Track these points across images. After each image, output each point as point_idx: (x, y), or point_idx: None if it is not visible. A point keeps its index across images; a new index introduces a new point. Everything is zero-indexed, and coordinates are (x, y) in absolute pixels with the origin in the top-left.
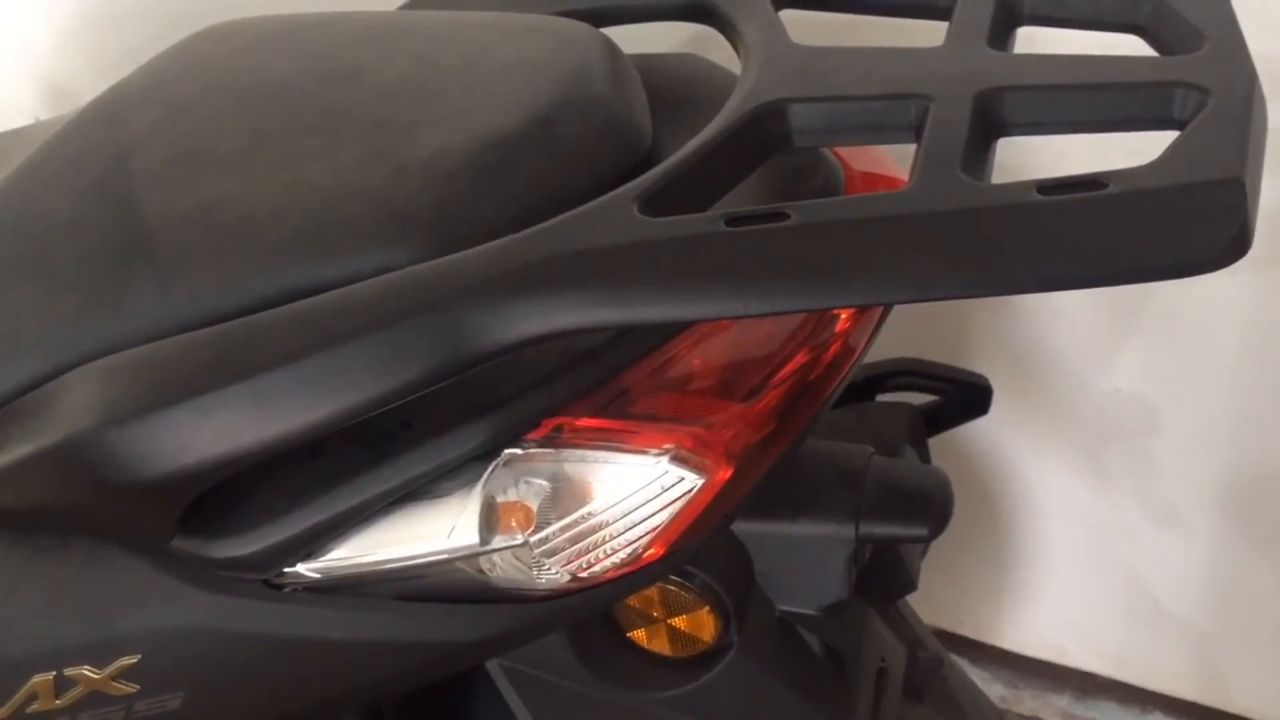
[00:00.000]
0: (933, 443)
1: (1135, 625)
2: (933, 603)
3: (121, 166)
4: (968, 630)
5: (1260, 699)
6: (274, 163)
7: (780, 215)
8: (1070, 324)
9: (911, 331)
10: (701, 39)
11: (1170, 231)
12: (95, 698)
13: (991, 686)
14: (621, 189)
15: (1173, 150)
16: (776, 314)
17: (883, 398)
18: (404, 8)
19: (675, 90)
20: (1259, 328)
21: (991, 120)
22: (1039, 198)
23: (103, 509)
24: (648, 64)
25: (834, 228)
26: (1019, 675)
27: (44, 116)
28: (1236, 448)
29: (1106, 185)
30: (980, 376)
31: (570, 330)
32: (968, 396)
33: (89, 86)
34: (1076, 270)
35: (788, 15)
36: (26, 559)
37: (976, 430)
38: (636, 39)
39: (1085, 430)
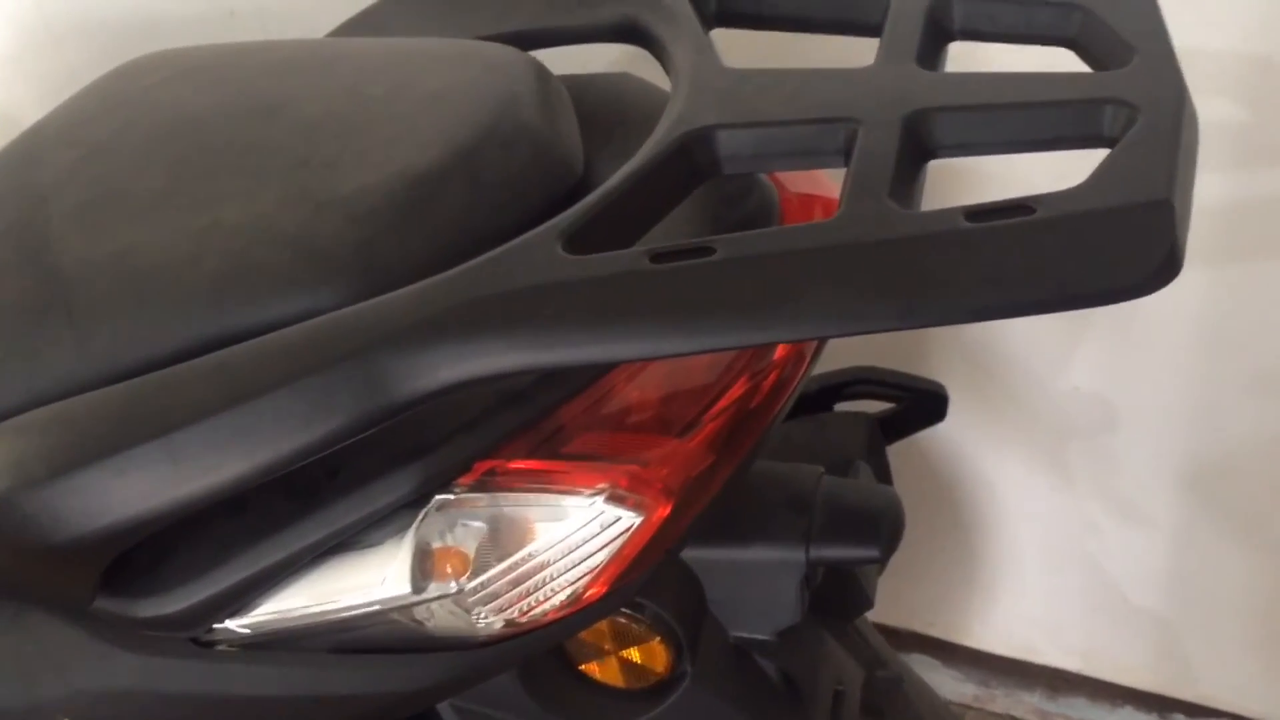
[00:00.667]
0: (894, 445)
1: (1102, 620)
2: (901, 605)
3: (36, 212)
4: (937, 631)
5: (1228, 689)
6: (192, 205)
7: (706, 250)
8: (1026, 324)
9: (867, 339)
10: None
11: (1099, 256)
12: None
13: (963, 686)
14: (545, 226)
15: (1101, 171)
16: (704, 352)
17: (840, 407)
18: (332, 34)
19: (609, 112)
20: (1211, 322)
21: (921, 143)
22: (966, 225)
23: (20, 572)
24: (580, 85)
25: (759, 262)
26: (990, 674)
27: None
28: (1194, 441)
29: (1034, 210)
30: (936, 384)
31: (493, 375)
32: (925, 404)
33: (29, 109)
34: (1006, 298)
35: (721, 34)
36: None
37: (938, 433)
38: (569, 58)
39: (1045, 429)
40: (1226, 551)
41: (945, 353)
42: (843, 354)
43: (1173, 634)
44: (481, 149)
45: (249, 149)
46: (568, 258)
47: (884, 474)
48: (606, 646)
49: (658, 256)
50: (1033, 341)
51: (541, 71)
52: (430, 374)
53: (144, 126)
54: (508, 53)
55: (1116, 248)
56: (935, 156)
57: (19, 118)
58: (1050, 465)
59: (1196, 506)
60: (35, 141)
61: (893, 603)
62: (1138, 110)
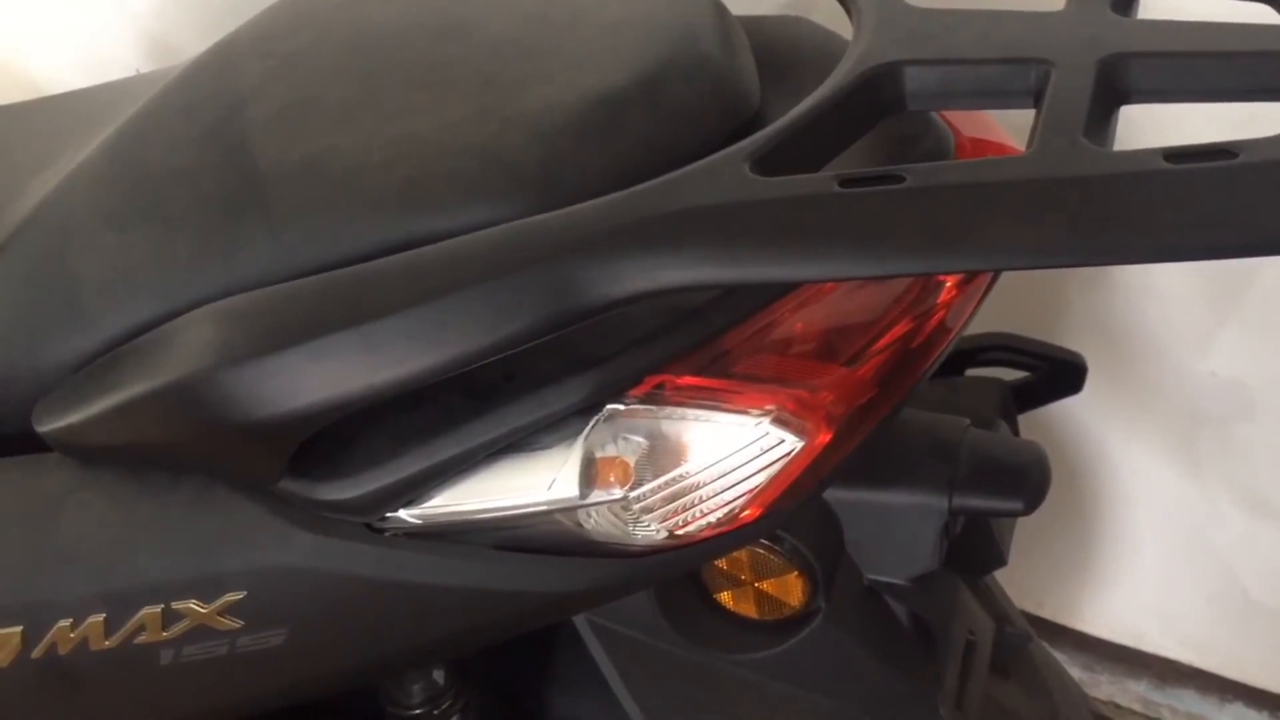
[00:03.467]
0: (1019, 420)
1: (1219, 613)
2: (1012, 583)
3: (234, 116)
4: (1047, 612)
5: None
6: (383, 115)
7: (895, 178)
8: (1165, 303)
9: (1001, 306)
10: (800, 2)
11: None
12: (201, 631)
13: (1068, 670)
14: (733, 148)
15: None
16: (890, 277)
17: (973, 372)
18: None
19: (782, 53)
20: None
21: (1115, 87)
22: (1166, 165)
23: (213, 448)
24: (755, 26)
25: (951, 191)
26: (1096, 660)
27: (144, 70)
28: None
29: (1237, 155)
30: (1075, 354)
31: (680, 287)
32: (1061, 374)
33: (189, 40)
34: (1203, 241)
35: None
36: (138, 495)
37: (1064, 409)
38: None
39: (1176, 413)
40: None
41: (1078, 326)
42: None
43: None
44: (663, 77)
45: (437, 65)
46: (757, 179)
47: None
48: (743, 576)
49: (847, 181)
50: (1171, 321)
51: (719, 7)
52: (620, 282)
53: (335, 40)
54: None
55: None
56: (1129, 101)
57: (176, 45)
58: (1178, 450)
59: None
60: (230, 51)
61: (1003, 579)
62: None
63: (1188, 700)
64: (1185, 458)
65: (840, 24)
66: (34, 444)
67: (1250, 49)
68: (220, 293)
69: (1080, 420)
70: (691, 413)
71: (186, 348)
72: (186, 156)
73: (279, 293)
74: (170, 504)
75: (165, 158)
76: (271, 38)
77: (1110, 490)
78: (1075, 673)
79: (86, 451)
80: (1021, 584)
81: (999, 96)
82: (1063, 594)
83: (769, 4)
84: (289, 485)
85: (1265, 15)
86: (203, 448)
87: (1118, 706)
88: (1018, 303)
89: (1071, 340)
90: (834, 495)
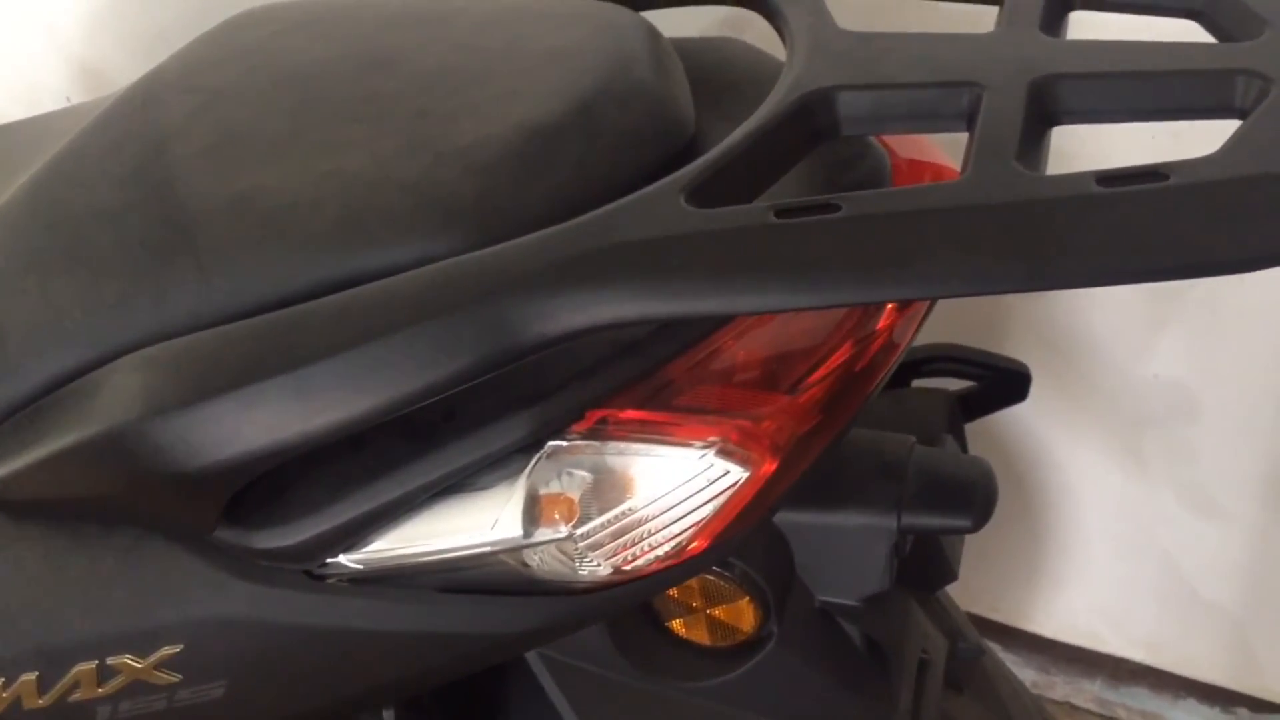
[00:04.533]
0: (967, 428)
1: (1170, 612)
2: (965, 589)
3: (160, 154)
4: (1000, 616)
5: None
6: (313, 151)
7: (831, 206)
8: (1107, 309)
9: (944, 317)
10: (735, 20)
11: (1234, 225)
12: (137, 686)
13: (1023, 672)
14: (668, 179)
15: (1235, 141)
16: (827, 307)
17: (918, 383)
18: None
19: (716, 76)
20: None
21: (1046, 109)
22: (1098, 189)
23: (146, 499)
24: (687, 48)
25: (887, 220)
26: (1051, 661)
27: (75, 98)
28: (1274, 434)
29: (1168, 177)
30: (1019, 363)
31: (617, 323)
32: (1006, 383)
33: (119, 67)
34: (1137, 264)
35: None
36: (69, 549)
37: (1011, 415)
38: (666, 22)
39: (1122, 416)
40: None
41: (1022, 334)
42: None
43: (1241, 628)
44: (598, 105)
45: (368, 99)
46: (692, 210)
47: (964, 450)
48: (694, 604)
49: (783, 212)
50: (1113, 326)
51: (653, 31)
52: (556, 319)
53: (263, 75)
54: (619, 12)
55: (1252, 217)
56: (1059, 123)
57: (107, 72)
58: (1125, 453)
59: (1273, 501)
60: (154, 87)
61: (957, 585)
62: (1271, 82)
63: (1141, 698)
64: (1131, 459)
65: (772, 44)
66: None
67: (1179, 68)
68: (149, 338)
69: (1027, 425)
70: (635, 447)
71: (114, 397)
72: (111, 197)
73: (209, 338)
74: (103, 557)
75: (88, 199)
76: (197, 72)
77: (1059, 493)
78: (1030, 675)
79: (15, 506)
80: (974, 588)
81: (932, 120)
82: (1015, 597)
83: (701, 24)
84: (224, 534)
85: (1193, 33)
86: (135, 499)
87: (1073, 707)
88: (960, 313)
89: (1015, 348)
90: (783, 518)
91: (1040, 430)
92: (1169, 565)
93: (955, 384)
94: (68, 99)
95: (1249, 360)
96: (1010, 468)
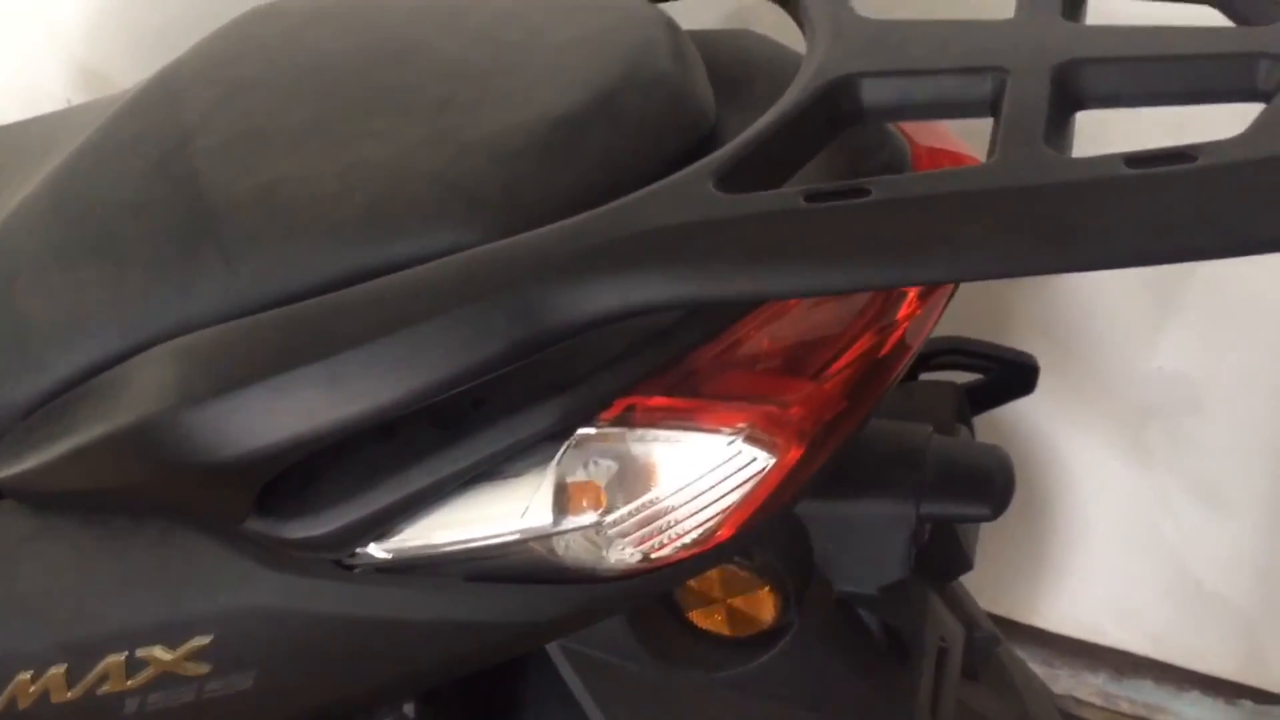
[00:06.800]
0: (974, 422)
1: (1174, 604)
2: (968, 581)
3: (183, 147)
4: (1003, 609)
5: None
6: (337, 142)
7: (861, 191)
8: (1111, 301)
9: (951, 310)
10: (745, 11)
11: (1263, 204)
12: (167, 678)
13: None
14: (696, 165)
15: (1261, 122)
16: (859, 290)
17: (926, 376)
18: None
19: (733, 67)
20: None
21: (1070, 93)
22: (1128, 171)
23: (177, 490)
24: (704, 40)
25: (917, 203)
26: (1055, 654)
27: (76, 99)
28: (1278, 425)
29: (1196, 158)
30: (1027, 355)
31: (651, 307)
32: (1014, 375)
33: (121, 69)
34: (1168, 245)
35: None
36: (99, 540)
37: (1016, 408)
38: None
39: (1126, 409)
40: None
41: (1026, 326)
42: None
43: (1245, 620)
44: (621, 94)
45: (389, 90)
46: (723, 196)
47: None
48: (715, 594)
49: (813, 196)
50: (1116, 318)
51: (671, 23)
52: (587, 304)
53: (283, 67)
54: (637, 4)
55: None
56: (1085, 107)
57: (109, 74)
58: (1128, 445)
59: (1276, 492)
60: (173, 81)
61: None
62: None
63: (1145, 691)
64: (1135, 452)
65: (785, 36)
66: None
67: (1199, 51)
68: (176, 329)
69: (1031, 418)
70: (663, 434)
71: (145, 388)
72: (135, 190)
73: (240, 328)
74: (131, 548)
75: (113, 192)
76: (217, 65)
77: (1063, 486)
78: (1034, 668)
79: (42, 498)
80: (978, 581)
81: (957, 106)
82: (1019, 591)
83: (712, 15)
84: (255, 524)
85: (1210, 17)
86: (165, 490)
87: (1077, 700)
88: (967, 306)
89: (1020, 341)
90: (802, 507)
91: (1044, 422)
92: (1173, 558)
93: (963, 377)
94: (68, 100)
95: (1253, 351)
96: (1014, 459)
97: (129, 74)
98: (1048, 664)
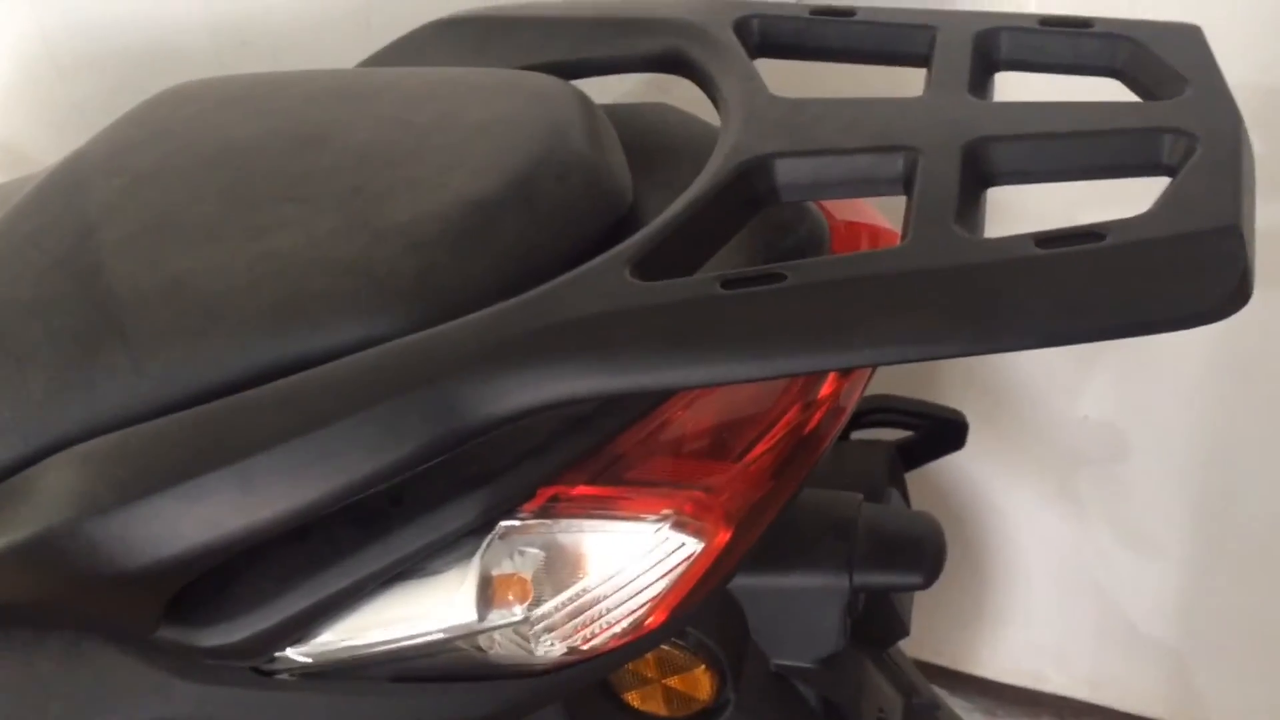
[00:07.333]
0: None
1: (1111, 648)
2: (910, 633)
3: (86, 241)
4: (945, 660)
5: (1236, 716)
6: (246, 232)
7: (776, 276)
8: (1037, 353)
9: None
10: (659, 82)
11: (1172, 282)
12: None
13: (971, 716)
14: (611, 252)
15: (1167, 198)
16: (778, 377)
17: (857, 435)
18: (364, 64)
19: (650, 142)
20: (1223, 351)
21: (980, 171)
22: (1038, 251)
23: (83, 602)
24: (619, 115)
25: (833, 288)
26: (997, 703)
27: None
28: (1205, 470)
29: (1104, 236)
30: (955, 412)
31: (569, 400)
32: (943, 432)
33: (32, 141)
34: (1080, 324)
35: (761, 63)
36: (1, 654)
37: (948, 460)
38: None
39: (1056, 457)
40: (1236, 580)
41: (956, 380)
42: None
43: (1181, 663)
44: (536, 178)
45: (299, 177)
46: (639, 284)
47: (905, 502)
48: (650, 675)
49: (729, 283)
50: (1044, 370)
51: (586, 101)
52: (508, 399)
53: (190, 154)
54: (551, 82)
55: (1189, 274)
56: (995, 184)
57: (23, 149)
58: (1060, 494)
59: (1206, 535)
60: (78, 170)
61: None
62: (1196, 139)
63: None
64: (1067, 500)
65: (700, 107)
66: None
67: (1106, 127)
68: (80, 432)
69: (965, 469)
70: (588, 523)
71: (47, 497)
72: (36, 287)
73: (145, 432)
74: (36, 663)
75: (12, 290)
76: (121, 153)
77: (998, 536)
78: (977, 717)
79: None
80: (918, 633)
81: (870, 184)
82: (960, 641)
83: (625, 85)
84: (166, 633)
85: (1117, 91)
86: (71, 602)
87: None
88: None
89: (949, 392)
90: (735, 582)
91: (977, 474)
92: (1108, 602)
93: (894, 434)
94: None
95: (1175, 398)
96: (949, 510)
97: (45, 148)
98: (990, 713)
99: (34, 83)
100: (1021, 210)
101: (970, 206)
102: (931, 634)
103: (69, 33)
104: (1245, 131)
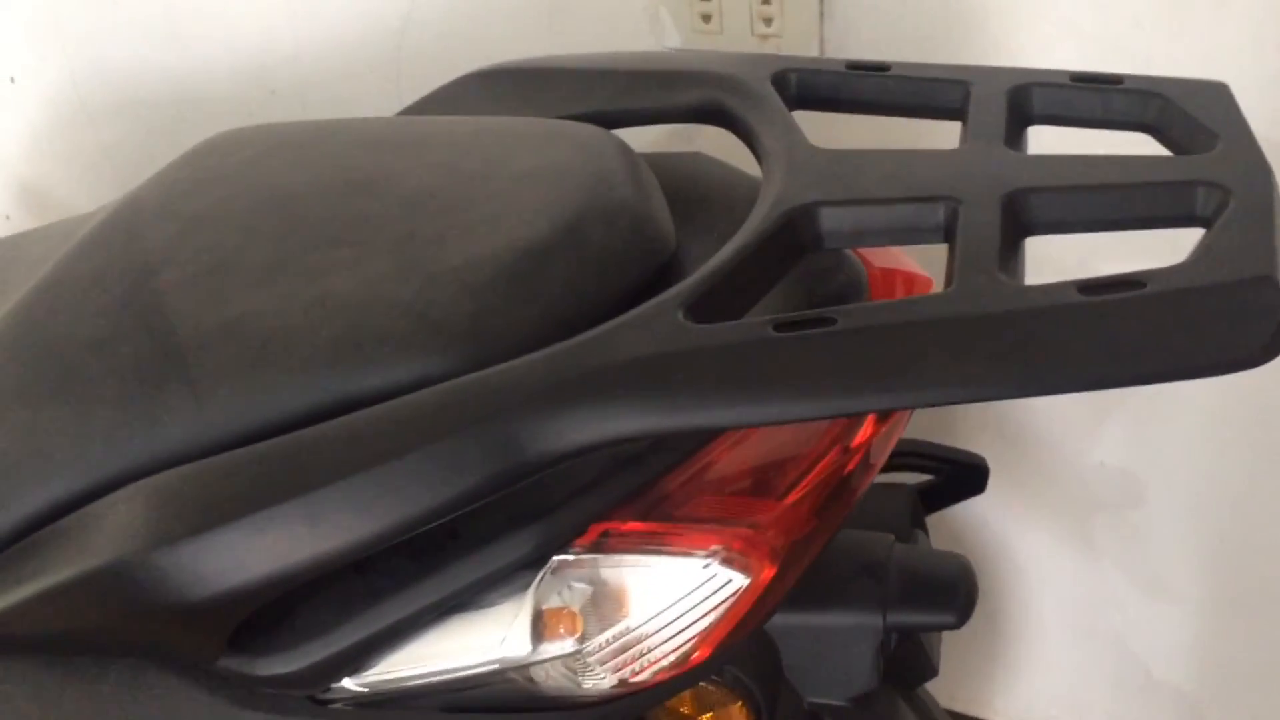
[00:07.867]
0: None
1: (1126, 695)
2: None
3: (145, 282)
4: (959, 705)
5: None
6: (301, 275)
7: (827, 320)
8: (1052, 399)
9: None
10: (685, 131)
11: (1211, 329)
12: None
13: None
14: (665, 295)
15: (1203, 249)
16: (828, 417)
17: (879, 479)
18: (403, 113)
19: (687, 190)
20: (1239, 397)
21: (1020, 221)
22: (1080, 298)
23: (149, 631)
24: (660, 164)
25: (884, 331)
26: None
27: (15, 216)
28: (1221, 516)
29: (1145, 285)
30: (977, 456)
31: (626, 438)
32: (965, 476)
33: (61, 185)
34: (1121, 370)
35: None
36: (63, 684)
37: (964, 505)
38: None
39: (1071, 503)
40: (1252, 627)
41: (972, 426)
42: None
43: (1196, 710)
44: (585, 224)
45: (351, 222)
46: (693, 326)
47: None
48: (686, 711)
49: (781, 325)
50: (1059, 416)
51: (628, 150)
52: (566, 436)
53: (243, 200)
54: (595, 131)
55: (1226, 322)
56: (1033, 234)
57: (48, 190)
58: (1075, 539)
59: (1222, 581)
60: (133, 214)
61: None
62: (1230, 192)
63: None
64: (1082, 545)
65: (733, 156)
66: None
67: (1142, 180)
68: (143, 467)
69: (980, 513)
70: (638, 559)
71: (118, 528)
72: (98, 326)
73: (213, 466)
74: (99, 692)
75: (75, 329)
76: (176, 198)
77: (1013, 581)
78: None
79: (4, 641)
80: (936, 679)
81: (912, 233)
82: (973, 686)
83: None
84: (227, 662)
85: (1145, 144)
86: (136, 632)
87: None
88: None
89: (966, 437)
90: (770, 621)
91: (992, 519)
92: (1123, 649)
93: (915, 477)
94: (6, 217)
95: (1190, 444)
96: (964, 554)
97: (72, 192)
98: None
99: (64, 128)
100: (1043, 257)
101: (1011, 255)
102: (946, 678)
103: (99, 81)
104: (1276, 184)
